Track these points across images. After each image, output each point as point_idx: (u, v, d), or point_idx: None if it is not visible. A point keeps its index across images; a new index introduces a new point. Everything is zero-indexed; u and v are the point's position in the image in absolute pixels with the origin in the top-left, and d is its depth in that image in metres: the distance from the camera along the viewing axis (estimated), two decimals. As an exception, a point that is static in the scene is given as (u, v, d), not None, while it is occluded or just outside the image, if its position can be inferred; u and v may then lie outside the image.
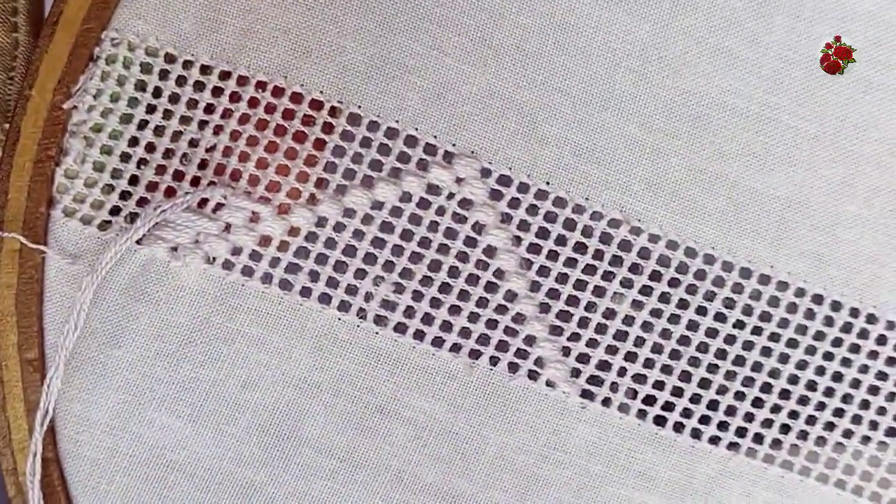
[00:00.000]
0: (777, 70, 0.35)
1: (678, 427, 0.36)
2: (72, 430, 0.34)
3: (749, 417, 0.36)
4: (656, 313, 0.36)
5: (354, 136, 0.34)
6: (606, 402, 0.36)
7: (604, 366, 0.36)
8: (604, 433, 0.36)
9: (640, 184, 0.35)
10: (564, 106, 0.35)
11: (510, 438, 0.36)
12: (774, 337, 0.36)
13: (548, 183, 0.35)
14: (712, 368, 0.36)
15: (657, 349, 0.36)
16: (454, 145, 0.35)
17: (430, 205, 0.35)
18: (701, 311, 0.36)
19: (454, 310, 0.35)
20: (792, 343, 0.36)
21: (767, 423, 0.36)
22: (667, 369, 0.36)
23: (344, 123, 0.34)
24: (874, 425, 0.37)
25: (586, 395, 0.36)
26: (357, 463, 0.35)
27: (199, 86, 0.34)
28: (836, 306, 0.36)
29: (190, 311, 0.34)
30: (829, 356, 0.36)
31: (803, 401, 0.36)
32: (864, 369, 0.36)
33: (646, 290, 0.36)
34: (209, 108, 0.34)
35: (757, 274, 0.36)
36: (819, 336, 0.36)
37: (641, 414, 0.36)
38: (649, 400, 0.36)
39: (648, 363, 0.36)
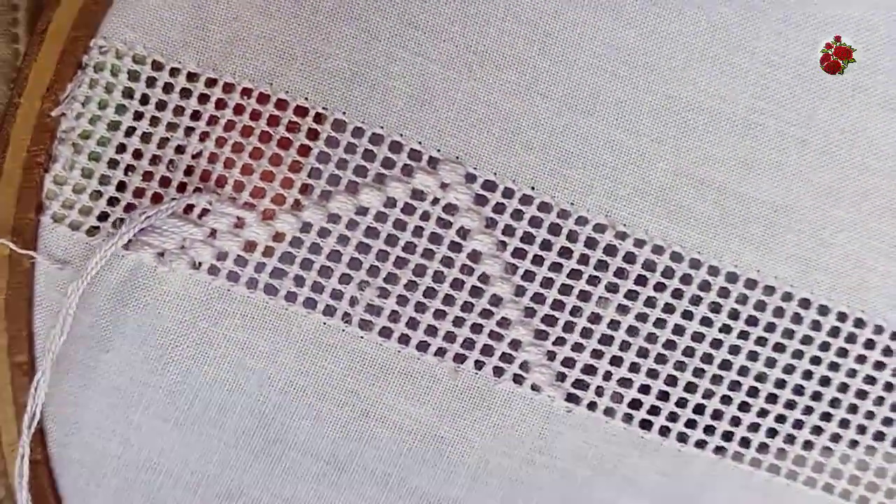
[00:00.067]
0: (764, 75, 0.35)
1: (664, 431, 0.36)
2: (60, 433, 0.35)
3: (736, 421, 0.36)
4: (642, 318, 0.36)
5: (339, 142, 0.34)
6: (592, 406, 0.36)
7: (589, 370, 0.36)
8: (589, 437, 0.36)
9: (626, 189, 0.35)
10: (549, 111, 0.35)
11: (495, 442, 0.36)
12: (761, 341, 0.36)
13: (533, 188, 0.35)
14: (698, 372, 0.36)
15: (643, 353, 0.36)
16: (439, 151, 0.35)
17: (414, 210, 0.35)
18: (687, 315, 0.36)
19: (439, 314, 0.35)
20: (779, 347, 0.36)
21: (754, 428, 0.36)
22: (652, 373, 0.36)
23: (329, 129, 0.34)
24: (862, 429, 0.37)
25: (572, 399, 0.36)
26: (342, 466, 0.35)
27: (185, 93, 0.34)
28: (823, 311, 0.36)
29: (176, 316, 0.34)
30: (816, 360, 0.36)
31: (790, 405, 0.36)
32: (851, 373, 0.36)
33: (631, 295, 0.36)
34: (195, 115, 0.34)
35: (743, 278, 0.36)
36: (806, 340, 0.36)
37: (627, 418, 0.36)
38: (635, 404, 0.36)
39: (634, 367, 0.36)
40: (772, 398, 0.36)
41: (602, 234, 0.35)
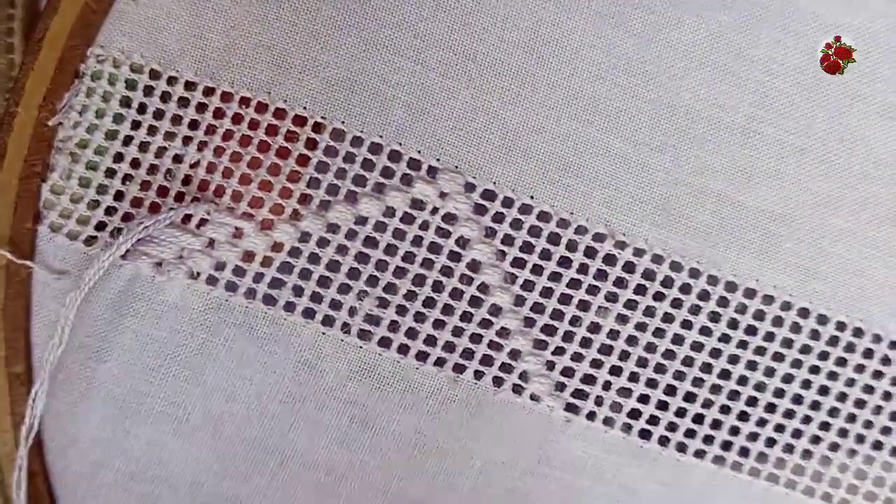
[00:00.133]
0: (763, 83, 0.35)
1: (663, 441, 0.36)
2: (58, 443, 0.34)
3: (735, 431, 0.36)
4: (641, 327, 0.36)
5: (338, 152, 0.34)
6: (591, 415, 0.36)
7: (588, 380, 0.36)
8: (589, 447, 0.36)
9: (625, 198, 0.35)
10: (549, 120, 0.35)
11: (495, 452, 0.36)
12: (760, 350, 0.36)
13: (532, 197, 0.35)
14: (697, 382, 0.36)
15: (642, 363, 0.36)
16: (438, 160, 0.35)
17: (414, 219, 0.35)
18: (686, 324, 0.36)
19: (438, 324, 0.35)
20: (778, 357, 0.36)
21: (753, 437, 0.36)
22: (652, 383, 0.36)
23: (327, 139, 0.34)
24: (860, 438, 0.37)
25: (571, 408, 0.36)
26: (342, 476, 0.35)
27: (183, 102, 0.34)
28: (822, 320, 0.36)
29: (174, 326, 0.34)
30: (815, 370, 0.36)
31: (789, 414, 0.36)
32: (850, 383, 0.36)
33: (631, 304, 0.36)
34: (193, 124, 0.34)
35: (742, 288, 0.36)
36: (805, 349, 0.36)
37: (626, 427, 0.36)
38: (634, 414, 0.36)
39: (633, 377, 0.36)
40: (770, 408, 0.36)
41: (601, 243, 0.35)
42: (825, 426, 0.37)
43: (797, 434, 0.36)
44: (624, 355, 0.36)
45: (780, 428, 0.36)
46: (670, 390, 0.36)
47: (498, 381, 0.35)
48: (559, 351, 0.35)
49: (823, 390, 0.36)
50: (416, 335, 0.35)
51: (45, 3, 0.34)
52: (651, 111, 0.35)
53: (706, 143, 0.35)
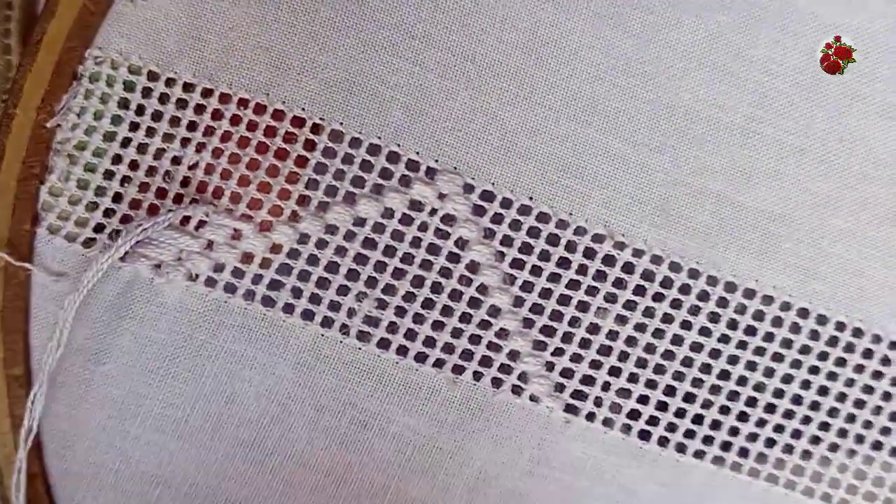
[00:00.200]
0: (762, 83, 0.35)
1: (663, 441, 0.36)
2: (57, 445, 0.34)
3: (734, 431, 0.36)
4: (640, 328, 0.36)
5: (336, 153, 0.34)
6: (591, 416, 0.36)
7: (588, 380, 0.36)
8: (588, 448, 0.36)
9: (625, 198, 0.35)
10: (547, 121, 0.35)
11: (494, 453, 0.36)
12: (759, 351, 0.36)
13: (531, 198, 0.35)
14: (697, 383, 0.36)
15: (641, 364, 0.36)
16: (437, 161, 0.35)
17: (412, 221, 0.35)
18: (686, 325, 0.36)
19: (437, 325, 0.35)
20: (777, 357, 0.36)
21: (752, 437, 0.36)
22: (651, 384, 0.36)
23: (326, 140, 0.34)
24: (860, 439, 0.37)
25: (570, 409, 0.36)
26: (341, 478, 0.35)
27: (181, 103, 0.34)
28: (821, 320, 0.36)
29: (173, 328, 0.34)
30: (814, 370, 0.36)
31: (789, 415, 0.36)
32: (849, 383, 0.36)
33: (630, 305, 0.35)
34: (192, 126, 0.34)
35: (742, 288, 0.36)
36: (805, 350, 0.36)
37: (626, 428, 0.36)
38: (634, 414, 0.36)
39: (633, 378, 0.36)
40: (770, 408, 0.36)
41: (601, 244, 0.35)
42: (824, 426, 0.37)
43: (796, 434, 0.36)
44: (623, 356, 0.36)
45: (779, 428, 0.36)
46: (670, 391, 0.36)
47: (497, 382, 0.35)
48: (558, 352, 0.35)
49: (823, 391, 0.36)
50: (414, 336, 0.35)
51: (43, 4, 0.34)
52: (650, 112, 0.35)
53: (705, 144, 0.35)
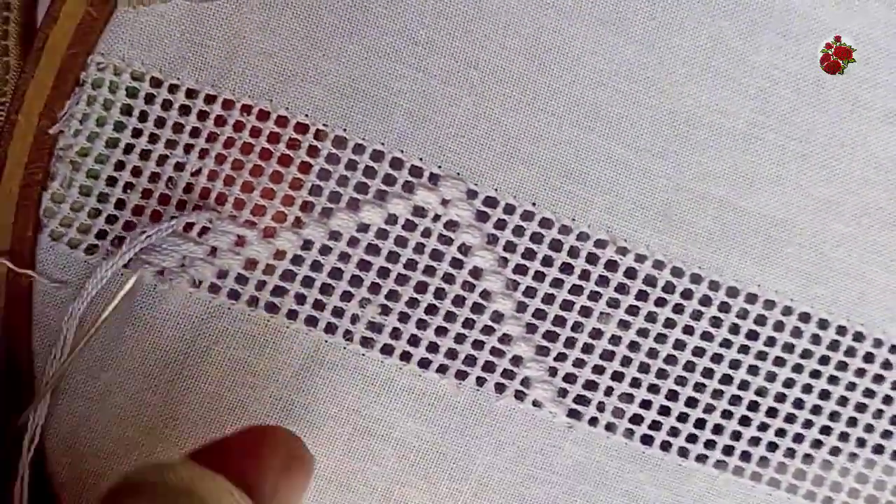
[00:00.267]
0: (764, 89, 0.35)
1: (665, 446, 0.36)
2: (59, 453, 0.34)
3: (736, 436, 0.36)
4: (643, 333, 0.36)
5: (340, 159, 0.34)
6: (593, 421, 0.36)
7: (591, 385, 0.36)
8: (591, 453, 0.36)
9: (627, 204, 0.35)
10: (550, 127, 0.35)
11: (497, 458, 0.36)
12: (761, 355, 0.36)
13: (534, 204, 0.35)
14: (699, 387, 0.36)
15: (644, 368, 0.36)
16: (440, 167, 0.35)
17: (415, 227, 0.35)
18: (688, 330, 0.36)
19: (441, 331, 0.35)
20: (779, 361, 0.36)
21: (755, 442, 0.36)
22: (654, 388, 0.36)
23: (329, 146, 0.34)
24: (861, 443, 0.37)
25: (573, 414, 0.36)
26: (345, 484, 0.35)
27: (184, 110, 0.34)
28: (823, 324, 0.36)
29: (176, 334, 0.34)
30: (816, 374, 0.36)
31: (790, 419, 0.37)
32: (851, 387, 0.37)
33: (632, 310, 0.36)
34: (195, 132, 0.34)
35: (744, 293, 0.36)
36: (806, 354, 0.36)
37: (628, 433, 0.36)
38: (636, 419, 0.36)
39: (635, 382, 0.36)
40: (772, 412, 0.36)
41: (603, 249, 0.35)
42: (826, 430, 0.37)
43: (798, 438, 0.37)
44: (626, 361, 0.36)
45: (781, 432, 0.36)
46: (672, 395, 0.36)
47: (500, 388, 0.35)
48: (561, 357, 0.35)
49: (824, 395, 0.37)
50: (418, 342, 0.35)
51: (46, 10, 0.34)
52: (652, 117, 0.35)
53: (708, 149, 0.35)
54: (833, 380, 0.36)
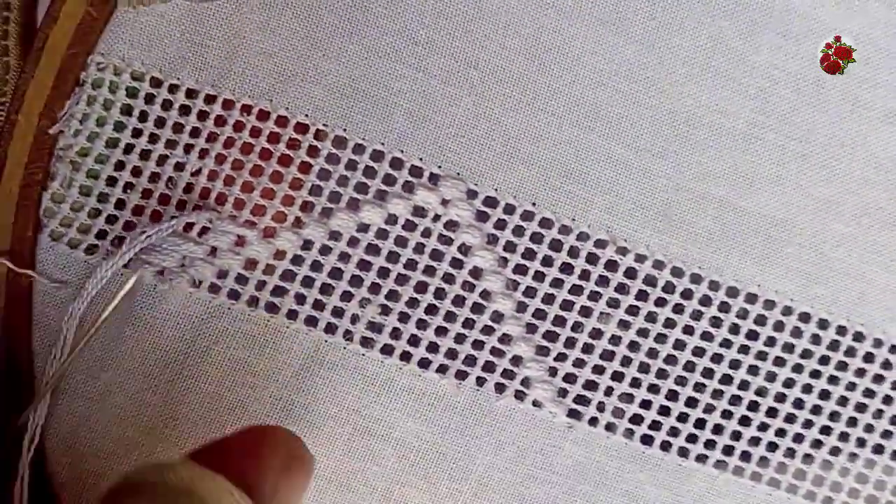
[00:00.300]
0: (764, 89, 0.35)
1: (665, 446, 0.36)
2: (59, 453, 0.34)
3: (736, 436, 0.36)
4: (643, 333, 0.36)
5: (340, 159, 0.34)
6: (593, 421, 0.36)
7: (591, 385, 0.36)
8: (591, 453, 0.36)
9: (627, 204, 0.35)
10: (550, 127, 0.35)
11: (497, 458, 0.36)
12: (761, 355, 0.36)
13: (534, 204, 0.35)
14: (699, 387, 0.36)
15: (644, 368, 0.36)
16: (440, 167, 0.35)
17: (415, 227, 0.35)
18: (688, 330, 0.36)
19: (441, 331, 0.35)
20: (779, 361, 0.36)
21: (755, 442, 0.36)
22: (654, 388, 0.36)
23: (329, 146, 0.34)
24: (861, 443, 0.37)
25: (573, 414, 0.36)
26: (345, 484, 0.35)
27: (184, 110, 0.34)
28: (823, 324, 0.36)
29: (177, 334, 0.34)
30: (816, 374, 0.36)
31: (790, 419, 0.37)
32: (851, 387, 0.37)
33: (632, 310, 0.36)
34: (195, 132, 0.34)
35: (744, 293, 0.36)
36: (806, 354, 0.36)
37: (628, 433, 0.36)
38: (636, 419, 0.36)
39: (635, 382, 0.36)
40: (772, 412, 0.36)
41: (603, 249, 0.35)
42: (826, 430, 0.37)
43: (798, 438, 0.37)
44: (626, 361, 0.36)
45: (781, 432, 0.36)
46: (672, 395, 0.36)
47: (500, 388, 0.35)
48: (561, 357, 0.35)
49: (824, 394, 0.37)
50: (418, 342, 0.35)
51: (46, 10, 0.34)
52: (652, 117, 0.35)
53: (708, 149, 0.35)
54: (833, 380, 0.36)
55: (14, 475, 0.33)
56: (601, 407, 0.36)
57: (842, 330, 0.36)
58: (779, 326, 0.36)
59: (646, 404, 0.36)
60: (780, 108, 0.35)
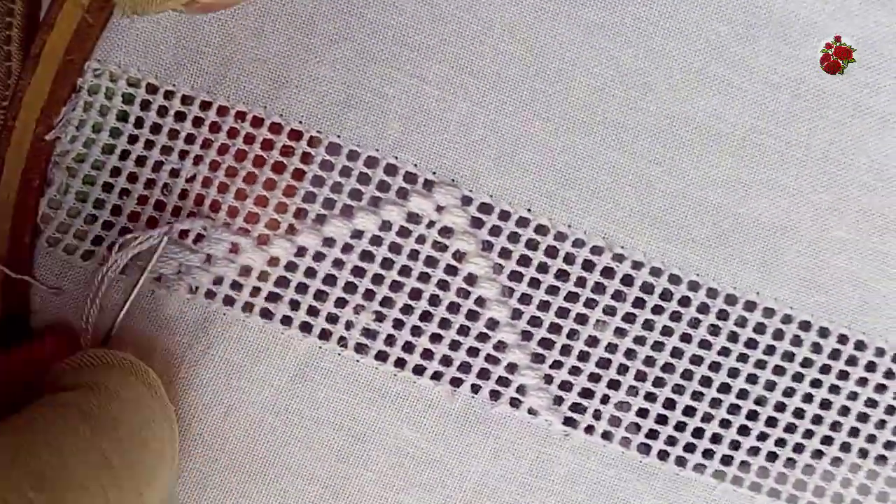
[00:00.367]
0: (762, 94, 0.35)
1: (662, 455, 0.36)
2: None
3: (735, 445, 0.36)
4: (640, 341, 0.35)
5: (334, 166, 0.34)
6: (589, 429, 0.36)
7: (587, 393, 0.35)
8: (587, 461, 0.36)
9: (624, 210, 0.35)
10: (546, 132, 0.35)
11: (492, 466, 0.35)
12: (761, 364, 0.36)
13: (529, 210, 0.35)
14: (697, 396, 0.36)
15: (641, 377, 0.36)
16: (434, 173, 0.34)
17: (410, 233, 0.35)
18: (685, 338, 0.35)
19: (435, 338, 0.35)
20: (779, 370, 0.36)
21: (754, 451, 0.36)
22: (651, 397, 0.36)
23: (323, 153, 0.34)
24: (863, 453, 0.36)
25: (569, 422, 0.36)
26: (339, 490, 0.35)
27: (179, 116, 0.34)
28: (823, 333, 0.36)
29: (172, 340, 0.34)
30: (816, 383, 0.36)
31: (790, 428, 0.36)
32: (852, 396, 0.36)
33: (629, 318, 0.35)
34: (190, 139, 0.34)
35: (742, 300, 0.35)
36: (806, 363, 0.36)
37: (625, 442, 0.36)
38: (633, 428, 0.36)
39: (632, 391, 0.36)
40: (772, 421, 0.36)
41: (599, 256, 0.35)
42: (827, 440, 0.36)
43: (799, 448, 0.36)
44: (622, 369, 0.35)
45: (781, 442, 0.36)
46: (669, 404, 0.36)
47: (495, 395, 0.35)
48: (557, 364, 0.35)
49: (825, 404, 0.36)
50: (412, 349, 0.35)
51: (42, 17, 0.34)
52: (650, 123, 0.35)
53: (706, 155, 0.35)
54: (834, 389, 0.36)
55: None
56: (597, 415, 0.36)
57: (843, 338, 0.36)
58: (778, 335, 0.36)
59: (643, 413, 0.36)
60: (779, 113, 0.35)
